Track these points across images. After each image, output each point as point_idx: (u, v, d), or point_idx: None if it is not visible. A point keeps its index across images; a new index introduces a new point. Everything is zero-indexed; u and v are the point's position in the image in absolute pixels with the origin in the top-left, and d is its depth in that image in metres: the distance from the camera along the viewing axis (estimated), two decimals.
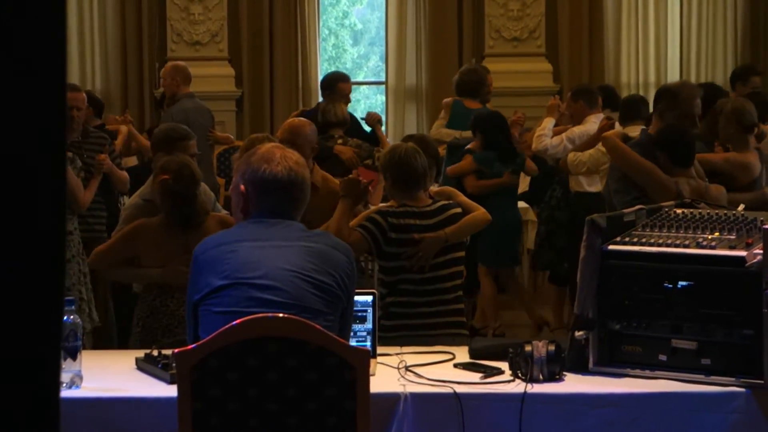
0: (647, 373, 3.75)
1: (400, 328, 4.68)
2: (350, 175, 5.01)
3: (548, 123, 7.81)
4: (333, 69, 14.50)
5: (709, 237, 3.77)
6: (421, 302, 4.73)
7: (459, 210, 4.87)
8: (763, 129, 6.32)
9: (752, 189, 5.92)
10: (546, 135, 7.70)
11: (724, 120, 6.06)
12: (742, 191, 5.80)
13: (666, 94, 5.71)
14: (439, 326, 4.71)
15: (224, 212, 5.31)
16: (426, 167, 4.87)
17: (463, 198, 5.12)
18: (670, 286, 3.72)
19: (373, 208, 5.00)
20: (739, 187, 5.84)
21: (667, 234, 3.86)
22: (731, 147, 6.05)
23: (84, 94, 7.17)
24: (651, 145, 5.42)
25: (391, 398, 3.57)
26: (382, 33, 12.27)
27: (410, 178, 4.81)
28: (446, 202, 4.91)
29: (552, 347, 3.71)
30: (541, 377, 3.69)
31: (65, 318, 3.61)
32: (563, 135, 7.64)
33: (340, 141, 7.32)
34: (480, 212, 4.94)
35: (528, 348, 3.71)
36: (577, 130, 7.64)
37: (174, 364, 3.50)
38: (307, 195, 3.56)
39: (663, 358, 3.75)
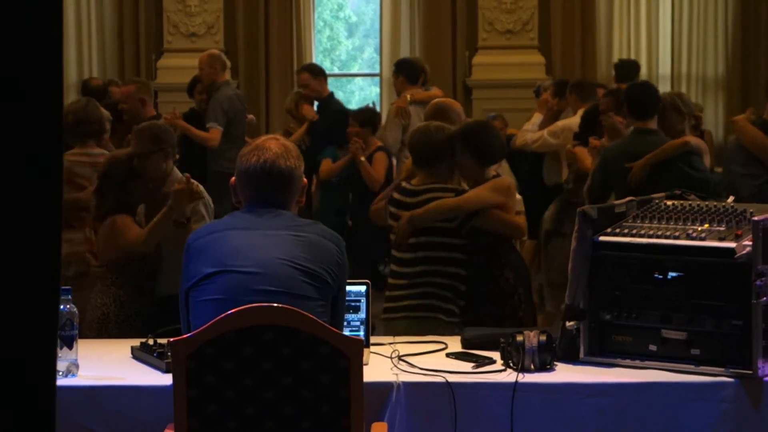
0: (637, 362, 3.78)
1: (395, 309, 4.89)
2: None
3: (536, 119, 7.82)
4: (328, 61, 14.52)
5: (699, 228, 3.80)
6: (396, 284, 4.93)
7: (443, 194, 4.87)
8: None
9: None
10: (529, 131, 7.71)
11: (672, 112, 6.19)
12: None
13: None
14: (407, 309, 4.86)
15: None
16: (447, 145, 4.90)
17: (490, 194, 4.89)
18: (660, 276, 3.75)
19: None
20: None
21: (657, 225, 3.88)
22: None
23: (133, 87, 7.09)
24: None
25: (385, 387, 3.60)
26: (377, 25, 12.28)
27: (426, 154, 4.91)
28: (435, 185, 4.91)
29: (543, 337, 3.74)
30: (532, 367, 3.72)
31: (61, 307, 3.63)
32: (544, 130, 7.62)
33: None
34: (456, 199, 4.83)
35: (519, 338, 3.73)
36: (560, 124, 7.60)
37: (169, 353, 3.54)
38: (294, 182, 3.54)
39: (653, 348, 3.78)
